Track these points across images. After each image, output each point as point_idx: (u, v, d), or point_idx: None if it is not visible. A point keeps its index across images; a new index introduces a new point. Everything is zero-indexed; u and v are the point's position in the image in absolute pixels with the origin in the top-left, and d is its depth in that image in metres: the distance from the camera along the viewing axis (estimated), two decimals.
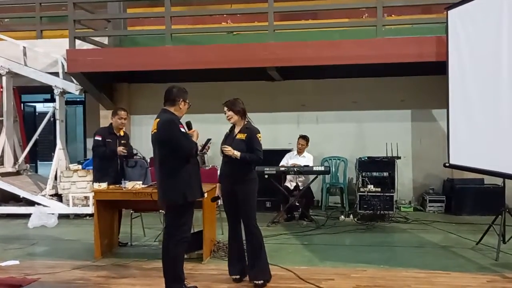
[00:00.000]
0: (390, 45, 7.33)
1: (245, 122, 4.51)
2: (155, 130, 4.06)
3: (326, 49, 7.44)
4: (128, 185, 5.36)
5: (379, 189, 7.34)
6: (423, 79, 8.43)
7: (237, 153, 4.33)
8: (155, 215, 6.42)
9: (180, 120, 4.15)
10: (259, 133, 4.50)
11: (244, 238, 4.60)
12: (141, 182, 5.50)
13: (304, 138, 7.68)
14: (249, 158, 4.38)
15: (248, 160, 4.39)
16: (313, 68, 7.85)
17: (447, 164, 6.49)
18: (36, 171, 12.39)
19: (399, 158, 7.59)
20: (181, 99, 4.11)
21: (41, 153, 13.25)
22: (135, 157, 6.24)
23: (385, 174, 7.53)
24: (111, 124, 6.04)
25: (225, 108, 4.48)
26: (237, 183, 4.40)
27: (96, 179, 5.75)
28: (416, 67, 7.83)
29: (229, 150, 4.35)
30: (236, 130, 4.50)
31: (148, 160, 7.56)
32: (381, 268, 4.95)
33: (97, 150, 5.90)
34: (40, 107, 14.11)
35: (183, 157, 4.01)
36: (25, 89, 9.63)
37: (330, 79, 8.63)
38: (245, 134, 4.42)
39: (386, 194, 7.31)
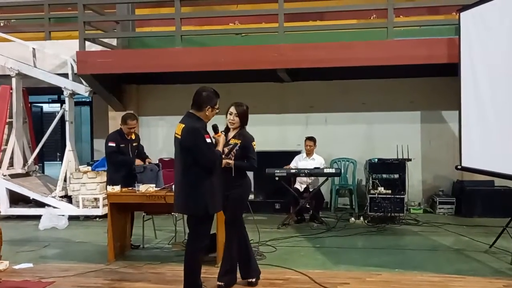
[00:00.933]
0: (400, 47, 7.31)
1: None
2: (179, 136, 3.94)
3: (337, 50, 7.42)
4: (142, 188, 5.36)
5: (389, 191, 7.32)
6: (432, 80, 8.41)
7: (231, 162, 4.33)
8: (167, 217, 6.42)
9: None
10: (254, 141, 4.49)
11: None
12: (154, 185, 5.51)
13: (311, 139, 7.67)
14: (244, 166, 4.42)
15: (243, 168, 4.43)
16: (322, 70, 7.83)
17: (459, 167, 6.48)
18: (43, 171, 12.42)
19: (410, 160, 7.56)
20: (208, 106, 3.96)
21: (46, 153, 13.27)
22: (146, 162, 6.23)
23: (396, 176, 7.50)
24: (121, 128, 6.03)
25: (234, 112, 4.42)
26: (230, 189, 4.36)
27: (110, 182, 5.75)
28: (425, 68, 7.81)
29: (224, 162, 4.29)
30: (231, 134, 4.50)
31: (157, 161, 7.58)
32: (395, 272, 4.93)
33: (113, 157, 5.92)
34: (46, 107, 14.15)
35: (212, 168, 3.93)
36: (32, 90, 9.64)
37: (339, 80, 8.61)
38: (239, 141, 4.41)
39: (397, 196, 7.29)
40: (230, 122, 4.46)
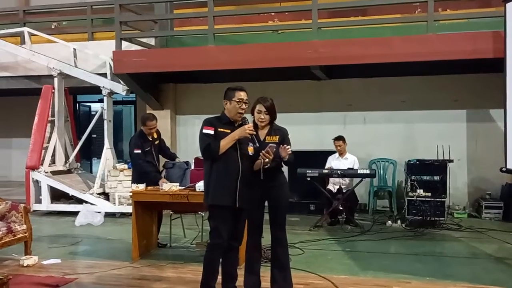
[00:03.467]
0: (441, 41, 6.90)
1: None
2: None
3: (373, 46, 7.12)
4: (165, 186, 5.34)
5: (429, 194, 6.94)
6: (479, 77, 7.92)
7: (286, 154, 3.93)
8: (198, 216, 6.37)
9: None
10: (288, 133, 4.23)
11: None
12: (178, 184, 5.47)
13: (339, 139, 7.41)
14: (291, 160, 4.06)
15: (290, 162, 4.06)
16: (360, 67, 7.56)
17: (503, 169, 6.02)
18: (91, 169, 12.83)
19: (451, 161, 7.14)
20: (225, 100, 3.94)
21: (95, 151, 13.64)
22: (176, 160, 6.22)
23: (436, 178, 7.09)
24: (141, 130, 5.93)
25: (263, 110, 4.07)
26: (273, 189, 4.10)
27: (135, 180, 5.77)
28: (471, 64, 7.35)
29: (288, 148, 3.92)
30: (263, 132, 4.14)
31: (193, 161, 7.56)
32: (426, 281, 4.63)
33: (141, 167, 5.81)
34: (96, 106, 14.58)
35: (204, 158, 3.95)
36: (81, 89, 9.93)
37: (378, 77, 8.28)
38: (277, 136, 4.11)
39: (437, 199, 6.90)
40: (260, 121, 4.11)
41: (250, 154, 3.96)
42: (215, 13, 7.73)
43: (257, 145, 3.95)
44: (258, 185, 4.04)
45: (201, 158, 9.00)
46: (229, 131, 3.90)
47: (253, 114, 4.18)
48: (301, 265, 5.08)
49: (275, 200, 4.12)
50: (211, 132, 3.85)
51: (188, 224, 6.63)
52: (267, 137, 4.11)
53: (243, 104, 3.91)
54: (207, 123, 3.91)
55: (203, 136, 3.88)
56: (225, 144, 3.83)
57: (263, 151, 3.88)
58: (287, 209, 4.26)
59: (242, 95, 3.92)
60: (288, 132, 4.23)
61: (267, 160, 3.89)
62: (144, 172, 5.79)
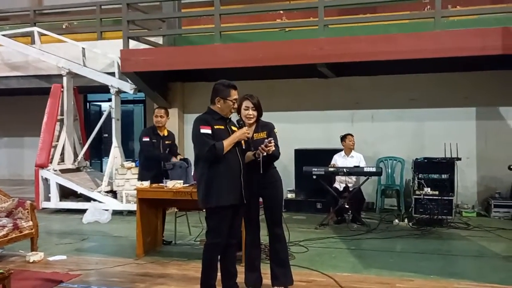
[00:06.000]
0: (449, 38, 6.81)
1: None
2: None
3: (380, 43, 7.06)
4: (169, 184, 5.36)
5: (436, 192, 6.88)
6: (489, 74, 7.83)
7: (273, 148, 3.91)
8: (202, 213, 6.37)
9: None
10: (275, 127, 4.21)
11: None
12: (182, 181, 5.48)
13: (351, 135, 7.39)
14: (277, 154, 4.04)
15: (275, 157, 4.05)
16: (368, 64, 7.50)
17: None
18: (101, 168, 12.91)
19: (459, 159, 7.06)
20: (218, 97, 3.88)
21: (108, 150, 13.64)
22: (178, 157, 6.24)
23: (444, 176, 7.03)
24: (154, 124, 6.08)
25: (251, 106, 4.05)
26: (267, 186, 4.09)
27: (140, 178, 5.81)
28: (481, 61, 7.26)
29: (271, 146, 3.88)
30: (250, 129, 4.09)
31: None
32: (430, 279, 4.59)
33: (148, 151, 5.95)
34: (106, 105, 14.66)
35: (206, 159, 3.82)
36: (91, 88, 9.97)
37: (386, 75, 8.22)
38: (265, 132, 4.11)
39: (445, 197, 6.84)
40: (248, 117, 4.08)
41: (243, 148, 3.98)
42: (221, 11, 7.73)
43: (253, 148, 3.95)
44: (255, 180, 4.02)
45: None
46: (222, 127, 3.90)
47: (239, 112, 4.13)
48: (304, 263, 5.07)
49: (270, 198, 4.14)
50: (209, 131, 3.80)
51: (194, 222, 6.63)
52: (255, 134, 4.12)
53: (236, 103, 3.93)
54: (202, 122, 3.84)
55: (202, 136, 3.79)
56: (227, 145, 3.81)
57: (262, 146, 3.87)
58: (282, 206, 4.30)
59: (236, 94, 3.92)
60: (275, 126, 4.23)
61: (265, 154, 3.89)
62: (153, 156, 5.93)
